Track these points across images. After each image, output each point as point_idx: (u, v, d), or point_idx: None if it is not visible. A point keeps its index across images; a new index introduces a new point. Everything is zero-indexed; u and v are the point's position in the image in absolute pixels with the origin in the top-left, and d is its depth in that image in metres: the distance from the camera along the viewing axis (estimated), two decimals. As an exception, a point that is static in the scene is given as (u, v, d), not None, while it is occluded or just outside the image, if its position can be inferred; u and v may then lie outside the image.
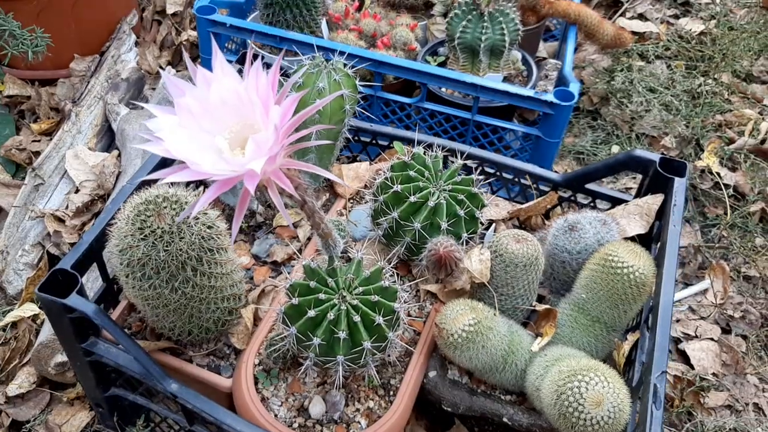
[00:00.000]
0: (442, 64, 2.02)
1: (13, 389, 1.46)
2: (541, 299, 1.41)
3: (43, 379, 1.50)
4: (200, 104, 0.77)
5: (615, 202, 1.52)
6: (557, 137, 1.81)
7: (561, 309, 1.31)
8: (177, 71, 2.25)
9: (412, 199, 1.29)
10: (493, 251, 1.28)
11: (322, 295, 1.11)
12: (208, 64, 1.98)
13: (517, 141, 1.94)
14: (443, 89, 1.90)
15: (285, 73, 1.50)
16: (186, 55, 0.78)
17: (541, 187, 1.58)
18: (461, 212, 1.30)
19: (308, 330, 1.10)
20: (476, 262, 1.27)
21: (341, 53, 1.41)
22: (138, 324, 1.33)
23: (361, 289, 1.13)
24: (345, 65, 1.41)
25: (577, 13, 2.11)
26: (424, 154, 1.36)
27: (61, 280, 1.17)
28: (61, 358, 1.41)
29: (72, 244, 1.70)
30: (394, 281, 1.16)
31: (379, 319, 1.10)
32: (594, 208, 1.56)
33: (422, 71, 1.77)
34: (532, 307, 1.32)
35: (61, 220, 1.72)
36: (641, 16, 2.59)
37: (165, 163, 1.34)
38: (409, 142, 1.59)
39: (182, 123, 0.77)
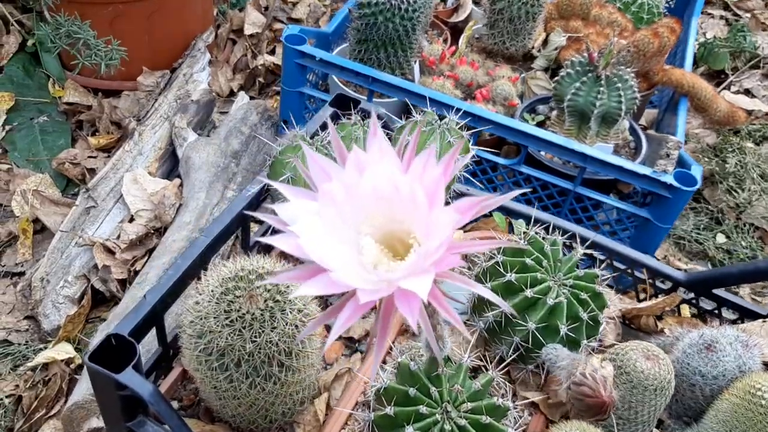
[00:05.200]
0: (541, 124, 1.84)
1: (36, 446, 1.28)
2: (659, 423, 1.20)
3: (70, 435, 1.32)
4: (346, 191, 0.59)
5: (744, 313, 1.32)
6: (669, 223, 1.61)
7: (688, 443, 1.11)
8: (251, 97, 2.10)
9: (528, 293, 1.10)
10: (617, 366, 1.08)
11: (423, 409, 0.92)
12: (288, 97, 1.82)
13: (603, 215, 1.75)
14: (542, 153, 1.72)
15: (385, 124, 1.33)
16: (375, 124, 0.60)
17: (658, 283, 1.38)
18: (584, 315, 1.11)
19: (404, 450, 0.91)
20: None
21: (457, 110, 1.23)
22: (191, 397, 1.15)
23: (469, 405, 0.94)
24: (457, 124, 1.24)
25: (692, 85, 1.91)
26: (543, 239, 1.17)
27: (114, 346, 0.99)
28: (97, 422, 1.23)
29: (120, 282, 1.53)
30: (505, 396, 0.97)
31: (491, 448, 0.91)
32: (719, 316, 1.36)
33: (527, 133, 1.58)
34: (653, 436, 1.12)
35: (111, 252, 1.55)
36: (747, 92, 2.39)
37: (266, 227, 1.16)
38: (507, 212, 1.41)
39: (321, 212, 0.59)
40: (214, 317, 0.82)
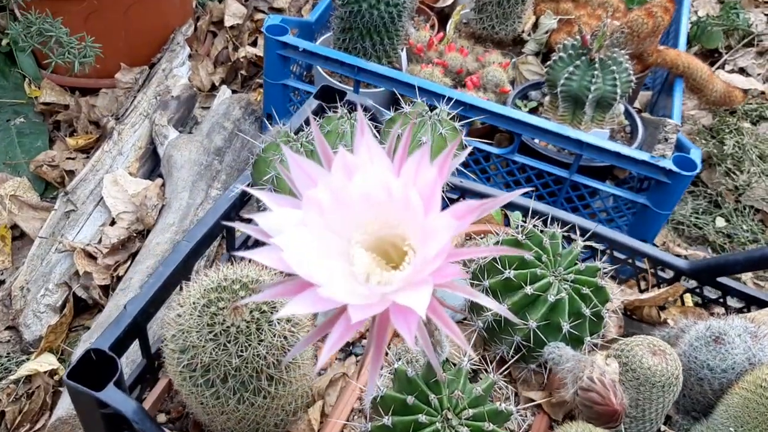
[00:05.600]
0: (534, 111, 1.79)
1: (20, 463, 1.23)
2: (667, 420, 1.16)
3: (56, 450, 1.26)
4: (334, 197, 0.54)
5: (751, 301, 1.28)
6: (668, 209, 1.56)
7: (698, 440, 1.07)
8: (233, 91, 2.03)
9: (528, 290, 1.05)
10: (622, 363, 1.04)
11: (423, 417, 0.87)
12: (271, 90, 1.75)
13: (601, 203, 1.70)
14: (536, 140, 1.67)
15: (373, 117, 1.27)
16: (362, 122, 0.55)
17: (659, 272, 1.34)
18: (586, 311, 1.06)
19: (404, 462, 0.86)
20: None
21: (448, 100, 1.18)
22: (179, 410, 1.10)
23: (470, 412, 0.89)
24: (449, 114, 1.18)
25: (687, 65, 1.86)
26: (541, 232, 1.12)
27: (95, 361, 0.93)
28: (82, 438, 1.18)
29: (103, 288, 1.48)
30: (508, 400, 0.93)
31: (495, 457, 0.86)
32: (724, 305, 1.31)
33: (521, 121, 1.53)
34: (661, 434, 1.08)
35: (92, 257, 1.49)
36: (742, 71, 2.34)
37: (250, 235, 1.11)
38: (504, 205, 1.35)
39: (307, 221, 0.54)
40: (197, 331, 0.76)
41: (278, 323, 0.79)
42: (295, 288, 0.54)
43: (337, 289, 0.52)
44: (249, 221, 0.56)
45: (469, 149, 0.62)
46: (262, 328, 0.78)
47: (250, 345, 0.77)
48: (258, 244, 0.53)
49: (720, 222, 1.83)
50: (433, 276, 0.52)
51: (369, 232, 0.57)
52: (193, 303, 0.78)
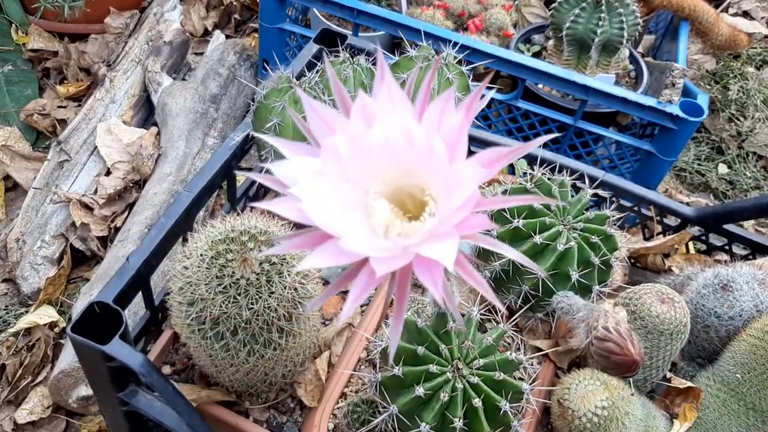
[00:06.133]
0: (537, 55, 1.75)
1: (23, 415, 1.22)
2: (672, 366, 1.16)
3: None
4: (353, 145, 0.51)
5: (756, 248, 1.27)
6: (673, 156, 1.54)
7: (704, 386, 1.07)
8: (227, 36, 1.97)
9: (537, 239, 1.04)
10: (630, 311, 1.03)
11: (433, 368, 0.87)
12: (267, 35, 1.70)
13: (604, 149, 1.68)
14: (540, 86, 1.63)
15: (375, 62, 1.23)
16: (383, 66, 0.52)
17: (665, 221, 1.32)
18: (596, 260, 1.05)
19: (414, 412, 0.86)
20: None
21: (454, 44, 1.14)
22: (184, 361, 1.09)
23: (481, 361, 0.88)
24: (456, 58, 1.15)
25: (693, 8, 1.82)
26: (549, 180, 1.10)
27: (99, 314, 0.92)
28: (86, 390, 1.17)
29: (101, 239, 1.45)
30: (519, 350, 0.92)
31: (506, 406, 0.86)
32: (729, 252, 1.31)
33: (526, 65, 1.49)
34: (667, 381, 1.08)
35: (88, 208, 1.46)
36: (746, 14, 2.29)
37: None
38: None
39: (325, 171, 0.51)
40: (206, 284, 0.75)
41: (288, 275, 0.77)
42: (313, 240, 0.52)
43: (359, 242, 0.50)
44: (262, 171, 0.53)
45: (489, 96, 0.59)
46: (273, 280, 0.76)
47: (260, 297, 0.75)
48: (260, 194, 0.50)
49: (722, 168, 1.81)
50: (457, 228, 0.50)
51: (387, 181, 0.55)
52: (201, 255, 0.76)
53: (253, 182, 1.26)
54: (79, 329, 0.89)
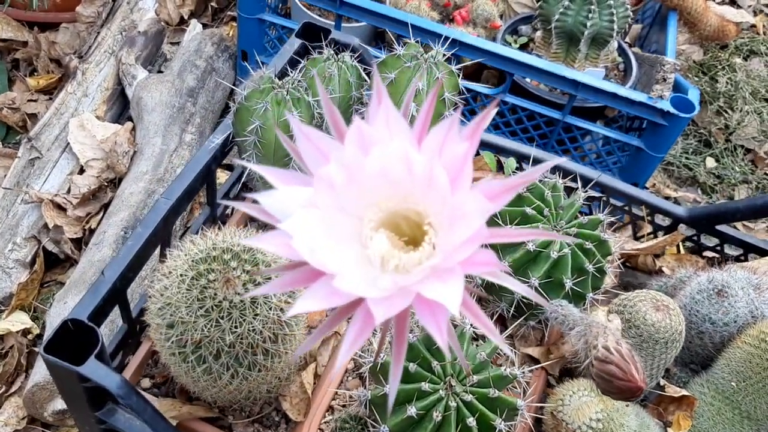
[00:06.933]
0: (524, 47, 1.71)
1: (-3, 427, 1.17)
2: (665, 372, 1.14)
3: (34, 412, 1.21)
4: (348, 174, 0.47)
5: (749, 249, 1.25)
6: (663, 152, 1.52)
7: (698, 393, 1.06)
8: (204, 25, 1.90)
9: (530, 247, 1.01)
10: (625, 320, 1.01)
11: (426, 385, 0.84)
12: (246, 25, 1.64)
13: (592, 144, 1.65)
14: (527, 80, 1.59)
15: (361, 58, 1.18)
16: (380, 88, 0.48)
17: (655, 220, 1.30)
18: (590, 267, 1.02)
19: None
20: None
21: (445, 39, 1.10)
22: (164, 374, 1.05)
23: (475, 378, 0.85)
24: (444, 56, 1.10)
25: (682, -2, 1.79)
26: (541, 182, 1.07)
27: (73, 331, 0.87)
28: (62, 404, 1.12)
29: (75, 241, 1.39)
30: (514, 364, 0.89)
31: (501, 425, 0.83)
32: (720, 252, 1.29)
33: (515, 60, 1.45)
34: (660, 388, 1.06)
35: (61, 209, 1.40)
36: (733, 2, 2.27)
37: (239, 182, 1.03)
38: (496, 149, 1.29)
39: (317, 201, 0.47)
40: (186, 306, 0.70)
41: (274, 295, 0.73)
42: (305, 277, 0.48)
43: (355, 280, 0.46)
44: (247, 199, 0.49)
45: (497, 101, 0.55)
46: (257, 300, 0.72)
47: (244, 320, 0.71)
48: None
49: (710, 162, 1.79)
50: (461, 265, 0.46)
51: (384, 209, 0.51)
52: (181, 275, 0.71)
53: (234, 184, 1.21)
54: (53, 348, 0.85)
